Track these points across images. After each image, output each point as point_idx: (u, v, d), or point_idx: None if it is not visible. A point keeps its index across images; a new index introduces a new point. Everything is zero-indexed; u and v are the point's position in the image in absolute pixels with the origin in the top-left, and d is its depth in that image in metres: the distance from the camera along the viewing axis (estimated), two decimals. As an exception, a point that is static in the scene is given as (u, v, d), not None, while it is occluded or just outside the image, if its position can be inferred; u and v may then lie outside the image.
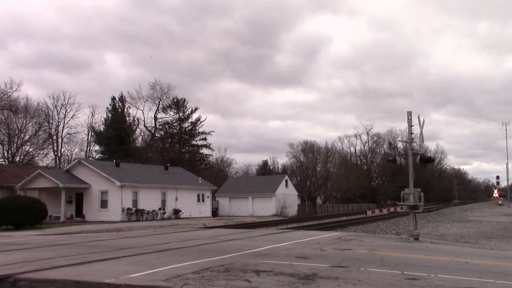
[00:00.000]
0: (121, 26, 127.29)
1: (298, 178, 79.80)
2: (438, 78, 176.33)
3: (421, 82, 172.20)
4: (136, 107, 71.44)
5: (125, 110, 71.88)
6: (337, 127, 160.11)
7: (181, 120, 76.38)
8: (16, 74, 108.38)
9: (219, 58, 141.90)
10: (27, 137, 60.47)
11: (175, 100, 75.02)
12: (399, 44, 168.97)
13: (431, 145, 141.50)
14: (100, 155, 68.85)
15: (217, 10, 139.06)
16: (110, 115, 70.32)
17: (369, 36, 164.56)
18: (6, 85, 54.05)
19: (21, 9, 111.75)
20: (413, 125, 18.49)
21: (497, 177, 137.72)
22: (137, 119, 72.55)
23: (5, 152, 59.07)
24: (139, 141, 75.04)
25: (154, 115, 72.76)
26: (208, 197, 50.15)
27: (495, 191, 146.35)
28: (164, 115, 74.69)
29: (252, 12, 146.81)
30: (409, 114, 18.54)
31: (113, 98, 71.54)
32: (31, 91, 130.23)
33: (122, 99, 71.71)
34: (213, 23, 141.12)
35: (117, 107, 71.29)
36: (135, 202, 40.65)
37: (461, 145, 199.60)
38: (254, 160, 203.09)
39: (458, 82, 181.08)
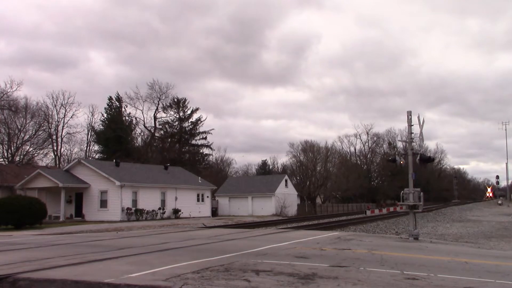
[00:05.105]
0: (102, 24, 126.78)
1: (298, 178, 79.77)
2: (429, 77, 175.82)
3: (412, 80, 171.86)
4: (135, 107, 71.49)
5: (123, 110, 71.88)
6: (331, 126, 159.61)
7: (181, 120, 76.34)
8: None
9: (206, 56, 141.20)
10: (27, 136, 60.50)
11: (175, 99, 75.07)
12: (388, 42, 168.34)
13: (430, 145, 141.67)
14: (99, 155, 68.82)
15: (200, 7, 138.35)
16: (107, 115, 70.24)
17: (357, 33, 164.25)
18: (6, 85, 54.10)
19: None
20: (412, 125, 18.50)
21: (497, 177, 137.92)
22: (136, 119, 72.67)
23: (5, 151, 59.09)
24: (138, 141, 75.12)
25: (154, 114, 72.83)
26: (207, 196, 50.14)
27: (489, 190, 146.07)
28: (164, 115, 74.81)
29: (235, 8, 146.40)
30: (409, 114, 18.55)
31: (110, 98, 71.32)
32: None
33: (119, 99, 71.61)
34: (197, 21, 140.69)
35: (114, 107, 71.14)
36: (134, 201, 40.65)
37: (457, 144, 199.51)
38: (250, 159, 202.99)
39: (450, 81, 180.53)
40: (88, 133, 70.84)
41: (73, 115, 66.99)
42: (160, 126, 75.33)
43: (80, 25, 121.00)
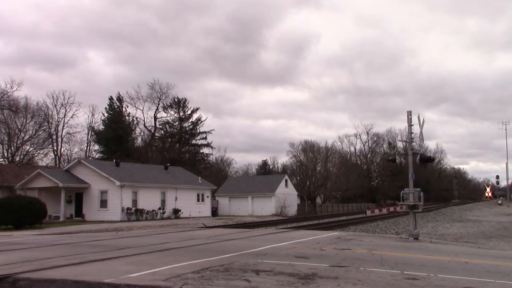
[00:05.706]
0: (101, 24, 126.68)
1: (298, 178, 79.76)
2: (428, 77, 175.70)
3: (412, 80, 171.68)
4: (135, 106, 71.50)
5: (123, 109, 71.91)
6: (331, 126, 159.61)
7: (182, 120, 76.36)
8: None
9: (205, 56, 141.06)
10: (27, 136, 60.45)
11: (175, 99, 75.09)
12: (388, 42, 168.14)
13: (430, 145, 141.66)
14: (99, 155, 68.86)
15: (199, 7, 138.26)
16: (108, 115, 70.21)
17: (356, 33, 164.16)
18: (6, 85, 54.04)
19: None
20: (413, 125, 18.51)
21: (497, 177, 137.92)
22: (137, 119, 72.66)
23: (5, 151, 59.07)
24: (138, 141, 75.11)
25: (154, 114, 72.82)
26: (207, 196, 50.14)
27: (488, 189, 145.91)
28: (164, 115, 74.83)
29: (234, 8, 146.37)
30: (409, 113, 18.55)
31: (111, 98, 71.42)
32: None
33: (119, 99, 71.66)
34: (195, 21, 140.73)
35: (115, 107, 71.11)
36: (134, 201, 40.63)
37: (456, 144, 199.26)
38: (250, 159, 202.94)
39: (449, 81, 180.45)
40: (88, 133, 70.90)
41: (73, 115, 67.03)
42: (160, 126, 75.38)
43: (78, 24, 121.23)
